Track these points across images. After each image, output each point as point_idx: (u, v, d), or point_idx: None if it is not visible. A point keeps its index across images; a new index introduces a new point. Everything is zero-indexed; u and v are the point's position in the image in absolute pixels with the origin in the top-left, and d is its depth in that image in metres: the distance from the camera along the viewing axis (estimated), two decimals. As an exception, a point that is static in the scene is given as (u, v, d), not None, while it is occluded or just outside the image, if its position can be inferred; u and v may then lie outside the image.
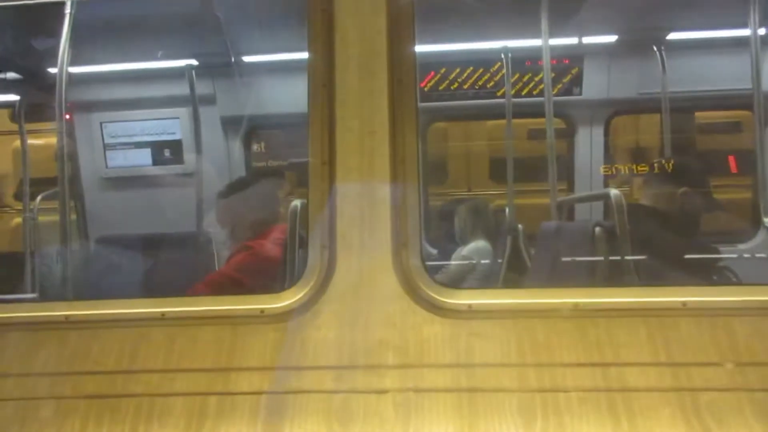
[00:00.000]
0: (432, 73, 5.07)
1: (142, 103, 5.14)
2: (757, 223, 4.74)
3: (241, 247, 2.99)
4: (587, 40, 4.93)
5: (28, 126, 5.22)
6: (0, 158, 6.66)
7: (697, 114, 5.50)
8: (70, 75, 3.93)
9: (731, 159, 5.25)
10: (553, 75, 4.38)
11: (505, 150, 4.98)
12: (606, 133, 5.20)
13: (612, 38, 4.92)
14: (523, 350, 1.82)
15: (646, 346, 1.80)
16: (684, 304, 1.83)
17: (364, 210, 1.92)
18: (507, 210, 4.87)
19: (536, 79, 4.94)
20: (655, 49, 4.84)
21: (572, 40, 4.89)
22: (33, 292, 4.57)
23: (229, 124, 5.33)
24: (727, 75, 4.64)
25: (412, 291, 1.89)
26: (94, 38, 4.32)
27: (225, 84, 5.20)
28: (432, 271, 1.98)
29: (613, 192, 2.99)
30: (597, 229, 3.02)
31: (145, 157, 5.21)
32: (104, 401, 1.87)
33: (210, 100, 5.19)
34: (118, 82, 5.11)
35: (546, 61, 4.31)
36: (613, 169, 5.06)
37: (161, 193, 5.16)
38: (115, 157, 5.21)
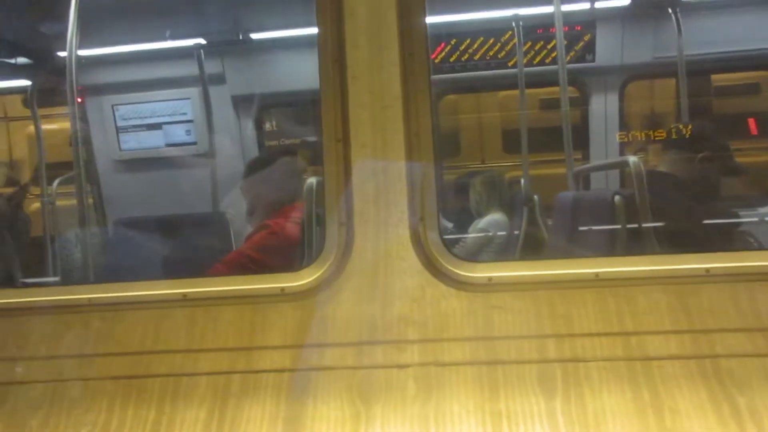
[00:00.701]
0: (442, 44, 4.99)
1: (153, 85, 5.14)
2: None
3: (260, 225, 2.99)
4: (599, 4, 4.82)
5: (41, 111, 5.24)
6: (15, 144, 6.71)
7: (714, 77, 5.39)
8: (79, 58, 3.93)
9: (751, 121, 5.14)
10: (565, 42, 4.30)
11: (519, 120, 4.92)
12: (621, 100, 5.12)
13: (625, 1, 4.81)
14: (543, 322, 1.82)
15: (667, 314, 1.79)
16: (707, 270, 1.81)
17: (380, 186, 1.91)
18: (522, 181, 4.84)
19: (548, 47, 4.86)
20: (670, 10, 4.72)
21: (584, 5, 4.78)
22: (54, 275, 4.64)
23: (240, 103, 5.31)
24: (747, 35, 4.52)
25: (431, 266, 1.89)
26: (102, 20, 4.30)
27: (234, 63, 5.17)
28: (449, 245, 1.96)
29: (632, 159, 2.94)
30: (617, 197, 2.99)
31: (157, 138, 5.22)
32: (130, 381, 1.90)
33: (220, 80, 5.17)
34: (127, 64, 5.10)
35: (558, 28, 4.23)
36: (629, 136, 4.99)
37: (175, 175, 5.18)
38: (128, 139, 5.23)
